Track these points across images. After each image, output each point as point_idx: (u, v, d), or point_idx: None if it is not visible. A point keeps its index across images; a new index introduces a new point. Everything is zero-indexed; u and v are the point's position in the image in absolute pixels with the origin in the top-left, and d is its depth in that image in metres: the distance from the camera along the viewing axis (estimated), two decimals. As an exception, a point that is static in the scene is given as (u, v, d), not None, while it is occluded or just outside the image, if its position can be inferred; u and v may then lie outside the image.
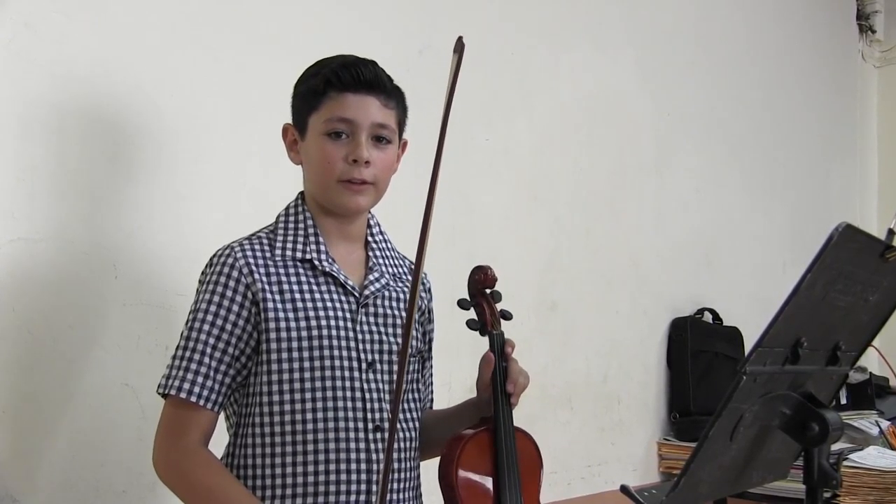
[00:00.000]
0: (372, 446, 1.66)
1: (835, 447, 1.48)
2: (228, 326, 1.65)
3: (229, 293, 1.65)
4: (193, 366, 1.63)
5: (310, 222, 1.73)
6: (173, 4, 2.17)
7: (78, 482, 1.95)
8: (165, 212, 2.12)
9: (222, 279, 1.66)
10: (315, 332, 1.65)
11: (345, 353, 1.66)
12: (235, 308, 1.65)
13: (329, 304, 1.68)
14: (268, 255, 1.69)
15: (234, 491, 1.60)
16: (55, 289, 1.94)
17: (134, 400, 2.04)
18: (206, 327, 1.64)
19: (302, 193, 1.79)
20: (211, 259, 1.71)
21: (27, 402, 1.90)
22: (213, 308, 1.65)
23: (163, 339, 2.09)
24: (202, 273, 1.72)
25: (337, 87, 1.68)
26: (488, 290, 1.85)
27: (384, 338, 1.72)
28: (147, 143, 2.10)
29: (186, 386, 1.62)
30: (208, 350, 1.63)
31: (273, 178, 2.27)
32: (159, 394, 1.67)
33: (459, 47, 1.62)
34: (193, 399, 1.62)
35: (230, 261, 1.67)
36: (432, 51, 2.74)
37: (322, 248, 1.71)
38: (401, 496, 1.72)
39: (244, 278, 1.65)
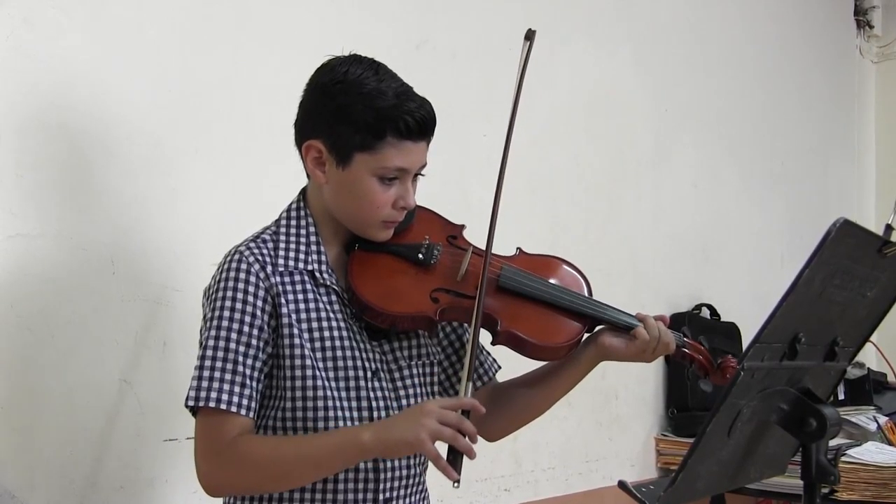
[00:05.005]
0: None
1: (832, 443, 1.48)
2: (255, 332, 1.58)
3: (251, 298, 1.59)
4: (228, 375, 1.55)
5: (312, 229, 1.69)
6: (170, 0, 2.16)
7: (76, 478, 1.95)
8: (163, 208, 2.12)
9: (241, 284, 1.59)
10: (318, 344, 1.62)
11: (350, 363, 1.64)
12: (259, 313, 1.59)
13: (332, 315, 1.65)
14: (273, 259, 1.64)
15: (316, 439, 1.58)
16: (53, 285, 1.94)
17: (131, 395, 2.04)
18: (233, 335, 1.57)
19: (304, 192, 1.74)
20: (221, 265, 1.64)
21: (25, 398, 1.90)
22: (237, 315, 1.58)
23: (160, 334, 2.09)
24: (213, 279, 1.64)
25: (398, 135, 1.61)
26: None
27: (384, 347, 1.70)
28: (145, 138, 2.10)
29: (225, 397, 1.54)
30: (240, 358, 1.56)
31: (270, 174, 2.27)
32: (189, 407, 1.57)
33: (531, 34, 1.67)
34: (234, 409, 1.55)
35: (244, 265, 1.60)
36: (429, 46, 2.73)
37: (323, 258, 1.68)
38: (412, 499, 1.72)
39: (262, 282, 1.60)
